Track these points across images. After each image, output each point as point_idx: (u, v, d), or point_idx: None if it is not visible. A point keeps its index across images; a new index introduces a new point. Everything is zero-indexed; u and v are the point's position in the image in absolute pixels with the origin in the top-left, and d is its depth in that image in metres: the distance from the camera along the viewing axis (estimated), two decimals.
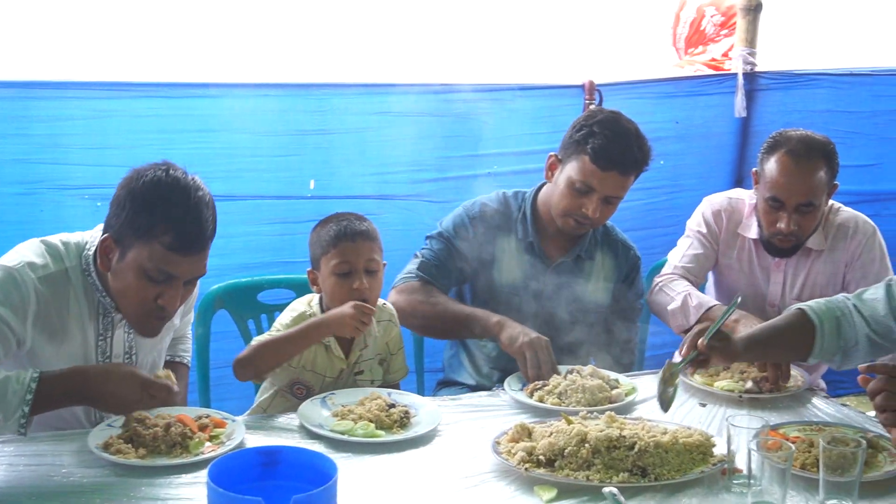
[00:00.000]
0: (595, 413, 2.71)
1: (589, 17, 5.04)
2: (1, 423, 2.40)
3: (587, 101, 4.48)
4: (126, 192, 2.57)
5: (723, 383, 3.07)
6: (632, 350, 3.46)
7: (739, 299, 2.81)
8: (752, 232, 3.56)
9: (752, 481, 2.26)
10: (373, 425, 2.65)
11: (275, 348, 2.89)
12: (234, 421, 2.64)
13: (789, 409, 2.95)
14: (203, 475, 2.12)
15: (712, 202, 3.70)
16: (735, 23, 5.02)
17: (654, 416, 2.77)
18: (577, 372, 3.02)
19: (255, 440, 2.57)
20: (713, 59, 5.03)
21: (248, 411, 3.05)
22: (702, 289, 3.68)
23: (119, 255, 2.57)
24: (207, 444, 2.51)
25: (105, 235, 2.59)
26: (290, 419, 2.75)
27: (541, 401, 2.89)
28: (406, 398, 2.89)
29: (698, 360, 2.74)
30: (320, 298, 3.08)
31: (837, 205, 3.59)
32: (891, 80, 5.17)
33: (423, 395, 3.24)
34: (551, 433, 2.48)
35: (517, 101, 4.50)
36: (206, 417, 2.63)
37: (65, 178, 3.82)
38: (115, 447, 2.43)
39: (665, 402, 2.69)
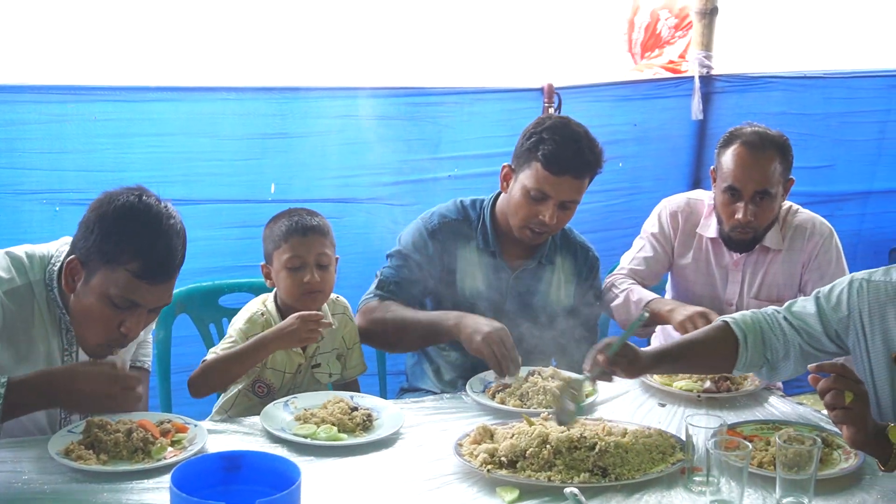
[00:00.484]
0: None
1: (548, 22, 5.06)
2: None
3: (546, 105, 4.51)
4: (96, 215, 2.52)
5: (682, 383, 3.11)
6: None
7: (647, 315, 2.83)
8: (711, 231, 3.61)
9: (710, 480, 2.29)
10: (335, 428, 2.66)
11: (224, 368, 2.92)
12: (195, 426, 2.64)
13: (747, 409, 2.99)
14: (165, 480, 2.11)
15: (670, 203, 3.74)
16: (689, 23, 5.07)
17: (615, 416, 2.80)
18: (539, 373, 3.05)
19: (218, 445, 2.57)
20: (671, 62, 5.07)
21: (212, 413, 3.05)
22: (658, 290, 3.72)
23: (84, 279, 2.53)
24: (169, 449, 2.51)
25: (72, 257, 2.54)
26: (252, 423, 2.74)
27: (502, 403, 2.91)
28: (368, 401, 2.90)
29: (602, 375, 2.75)
30: (275, 296, 3.11)
31: (796, 206, 3.65)
32: (843, 84, 5.26)
33: (385, 398, 3.26)
34: (513, 435, 2.50)
35: (477, 105, 4.51)
36: (168, 422, 2.63)
37: (21, 182, 3.77)
38: (76, 453, 2.41)
39: (567, 417, 2.65)
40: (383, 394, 3.54)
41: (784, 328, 2.81)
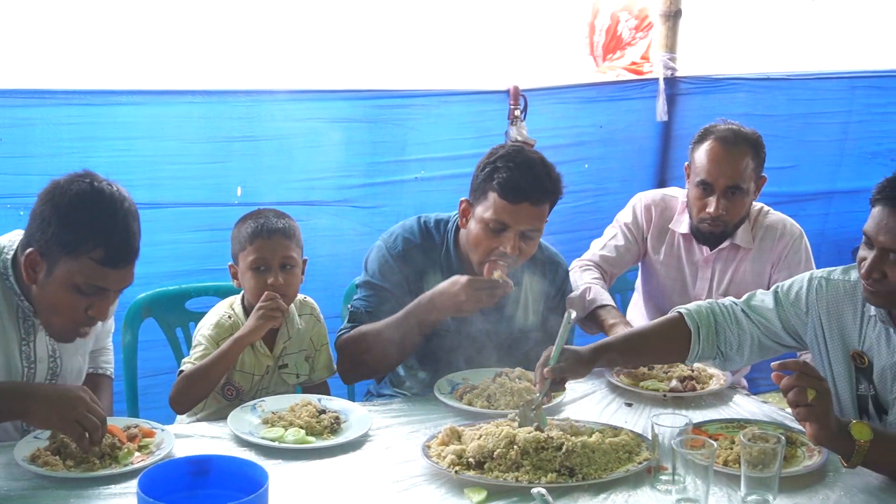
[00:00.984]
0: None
1: (512, 24, 5.07)
2: None
3: (512, 107, 4.53)
4: (50, 206, 2.51)
5: (648, 383, 3.13)
6: None
7: (574, 315, 2.82)
8: (683, 227, 3.65)
9: (676, 478, 2.31)
10: (303, 431, 2.66)
11: (203, 377, 2.93)
12: (163, 430, 2.63)
13: (712, 407, 3.02)
14: (133, 486, 2.11)
15: (645, 197, 3.79)
16: (650, 25, 5.10)
17: (582, 416, 2.82)
18: (506, 375, 3.06)
19: (186, 449, 2.57)
20: (632, 63, 5.09)
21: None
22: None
23: (47, 270, 2.53)
24: (137, 454, 2.50)
25: (31, 250, 2.53)
26: (220, 427, 2.74)
27: (470, 404, 2.92)
28: (336, 404, 2.91)
29: (554, 387, 2.75)
30: (243, 297, 3.13)
31: (767, 208, 3.70)
32: (806, 85, 5.31)
33: (353, 400, 3.26)
34: (481, 436, 2.51)
35: (443, 107, 4.52)
36: (135, 427, 2.62)
37: None
38: (43, 459, 2.41)
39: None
40: (351, 396, 3.54)
41: (741, 320, 2.85)
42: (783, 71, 5.30)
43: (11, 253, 2.63)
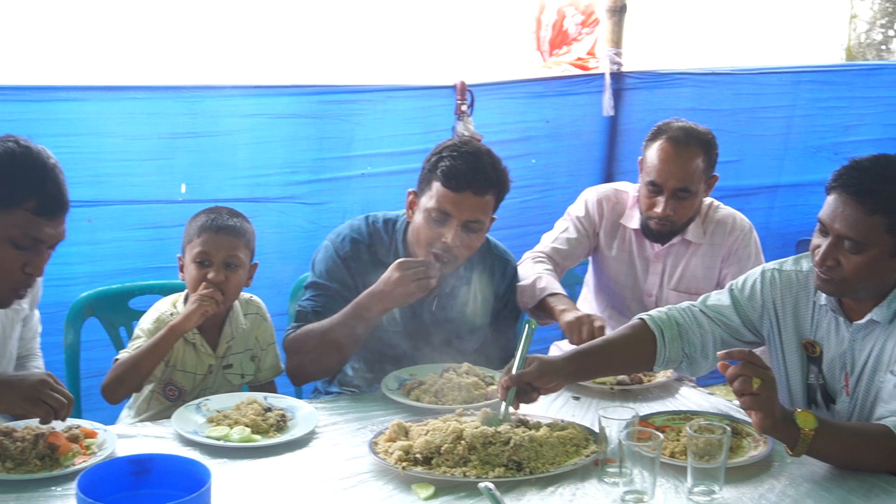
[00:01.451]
0: (471, 410, 2.74)
1: (459, 19, 5.08)
2: None
3: (459, 102, 4.52)
4: None
5: None
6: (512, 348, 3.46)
7: (535, 326, 2.81)
8: (634, 222, 3.66)
9: (623, 471, 2.32)
10: (249, 430, 2.64)
11: (136, 364, 2.91)
12: (105, 430, 2.59)
13: (659, 400, 3.04)
14: (74, 487, 2.07)
15: (598, 190, 3.79)
16: (596, 20, 5.12)
17: (530, 410, 2.81)
18: (453, 370, 3.05)
19: (129, 449, 2.52)
20: (579, 59, 5.11)
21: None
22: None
23: None
24: (78, 455, 2.46)
25: None
26: (164, 427, 2.70)
27: (417, 400, 2.91)
28: (283, 401, 2.88)
29: (521, 397, 2.70)
30: (186, 296, 3.10)
31: (717, 203, 3.72)
32: (750, 80, 5.36)
33: (300, 398, 3.23)
34: (428, 431, 2.50)
35: (390, 102, 4.50)
36: (77, 428, 2.57)
37: None
38: None
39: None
40: (298, 394, 3.52)
41: (701, 321, 2.84)
42: (728, 66, 5.35)
43: None
